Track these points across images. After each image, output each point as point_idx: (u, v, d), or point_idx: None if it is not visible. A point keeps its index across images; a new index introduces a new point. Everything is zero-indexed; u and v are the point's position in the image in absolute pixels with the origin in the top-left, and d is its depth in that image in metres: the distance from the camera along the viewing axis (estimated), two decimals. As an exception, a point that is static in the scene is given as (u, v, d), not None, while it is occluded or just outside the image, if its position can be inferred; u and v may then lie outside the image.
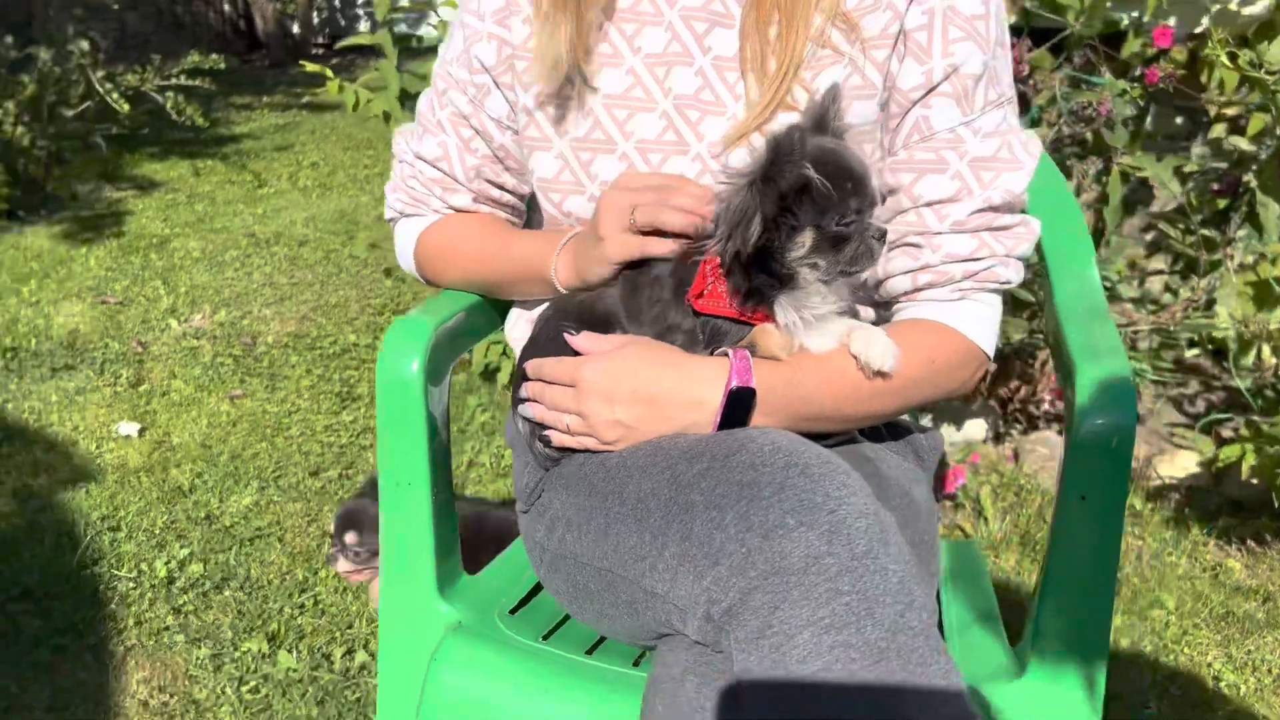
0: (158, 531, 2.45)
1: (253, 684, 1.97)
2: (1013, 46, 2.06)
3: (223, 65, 5.63)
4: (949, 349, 1.13)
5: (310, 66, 2.72)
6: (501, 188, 1.31)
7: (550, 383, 1.11)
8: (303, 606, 2.19)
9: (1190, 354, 2.65)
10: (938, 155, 1.12)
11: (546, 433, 1.13)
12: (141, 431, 2.91)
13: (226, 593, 2.24)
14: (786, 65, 1.10)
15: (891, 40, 1.11)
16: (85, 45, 5.16)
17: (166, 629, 2.12)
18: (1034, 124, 2.23)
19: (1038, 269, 1.53)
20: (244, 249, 4.44)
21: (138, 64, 5.42)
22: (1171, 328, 2.36)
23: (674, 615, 0.94)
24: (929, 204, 1.12)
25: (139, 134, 6.07)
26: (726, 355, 1.05)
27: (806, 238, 0.99)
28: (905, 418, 1.29)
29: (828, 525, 0.86)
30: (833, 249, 1.00)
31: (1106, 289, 2.29)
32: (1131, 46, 2.31)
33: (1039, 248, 1.44)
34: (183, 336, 3.54)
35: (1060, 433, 2.86)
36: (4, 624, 2.13)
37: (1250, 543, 2.38)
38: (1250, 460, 2.13)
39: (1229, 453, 2.19)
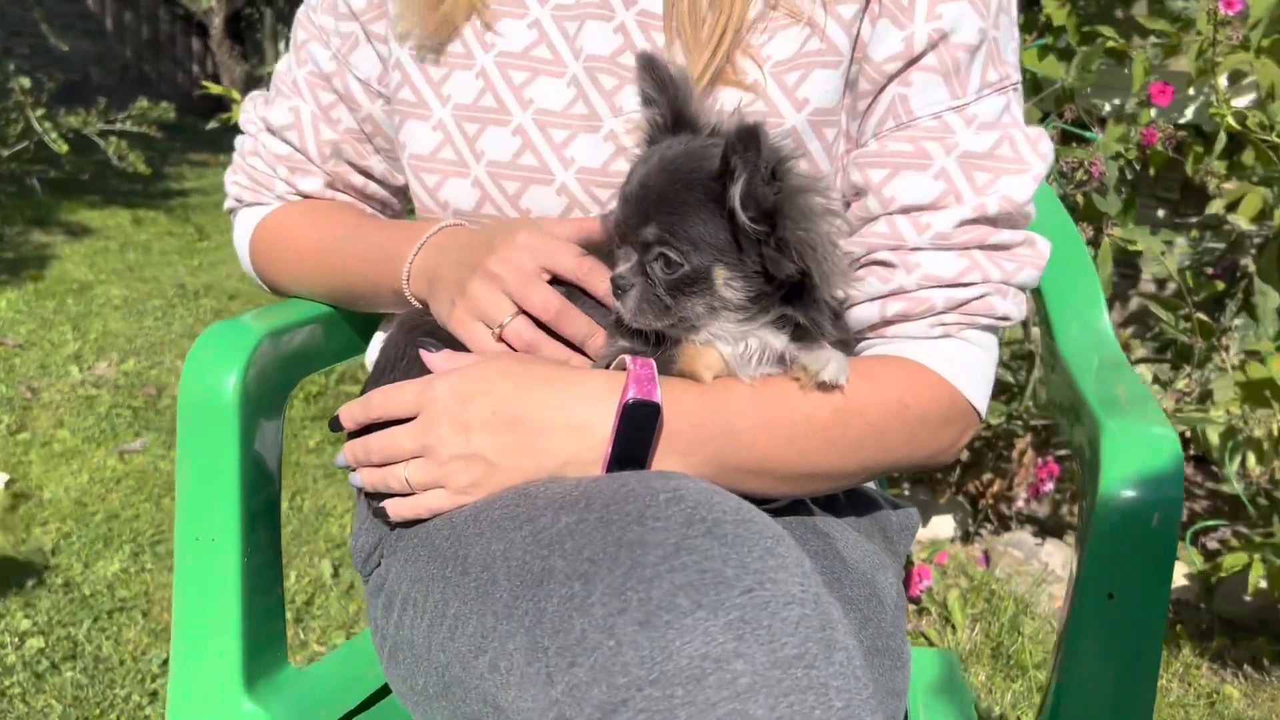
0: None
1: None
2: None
3: (172, 114, 5.42)
4: (929, 395, 0.86)
5: (214, 87, 2.45)
6: (366, 174, 1.05)
7: (382, 425, 0.82)
8: (154, 695, 1.85)
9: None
10: (918, 147, 0.86)
11: (383, 503, 0.83)
12: (9, 483, 2.58)
13: (66, 674, 1.90)
14: (722, 28, 0.85)
15: None
16: (26, 83, 4.93)
17: (-19, 715, 1.78)
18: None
19: (1032, 320, 1.29)
20: (169, 299, 4.16)
21: (82, 108, 5.21)
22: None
23: None
24: (904, 210, 0.86)
25: (80, 180, 5.83)
26: (625, 368, 0.77)
27: None
28: (872, 486, 1.02)
29: (740, 612, 0.58)
30: None
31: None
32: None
33: (1037, 293, 1.19)
34: (81, 384, 3.22)
35: (1036, 534, 2.60)
36: None
37: (1248, 667, 2.11)
38: (1258, 572, 1.87)
39: (1232, 562, 1.93)
